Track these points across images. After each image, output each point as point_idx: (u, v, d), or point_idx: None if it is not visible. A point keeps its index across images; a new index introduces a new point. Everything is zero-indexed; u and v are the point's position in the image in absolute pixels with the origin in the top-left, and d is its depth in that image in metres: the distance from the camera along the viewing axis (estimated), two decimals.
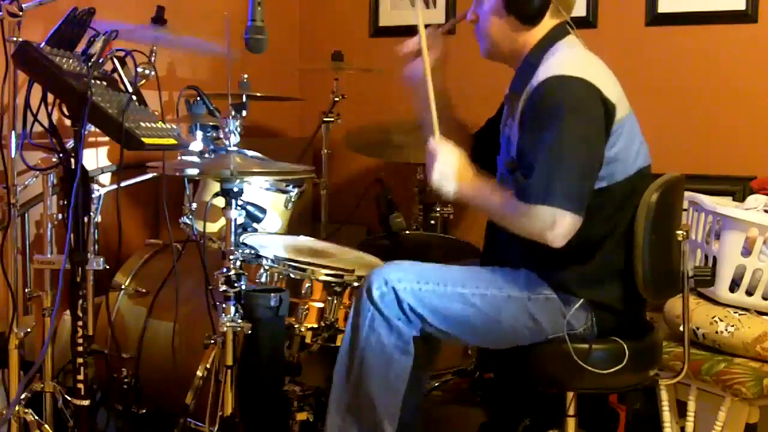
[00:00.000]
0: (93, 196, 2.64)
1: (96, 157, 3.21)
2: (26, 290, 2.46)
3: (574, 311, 2.14)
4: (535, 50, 2.18)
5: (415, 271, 2.17)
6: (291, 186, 2.83)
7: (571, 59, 2.14)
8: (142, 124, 2.11)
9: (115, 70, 2.21)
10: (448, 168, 2.13)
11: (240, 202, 2.30)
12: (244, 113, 2.33)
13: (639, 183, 2.16)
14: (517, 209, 2.05)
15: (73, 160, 2.10)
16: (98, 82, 2.14)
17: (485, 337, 2.22)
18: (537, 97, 2.07)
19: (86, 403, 2.16)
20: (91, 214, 2.43)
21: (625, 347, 2.14)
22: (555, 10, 2.18)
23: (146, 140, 2.07)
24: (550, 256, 2.08)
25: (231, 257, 2.24)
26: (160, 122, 2.18)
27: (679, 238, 2.18)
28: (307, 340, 2.51)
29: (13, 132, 2.31)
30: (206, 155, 2.41)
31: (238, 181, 2.25)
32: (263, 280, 2.48)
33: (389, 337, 2.11)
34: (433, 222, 3.51)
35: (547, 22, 2.19)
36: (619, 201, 2.13)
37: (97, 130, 2.12)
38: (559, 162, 2.02)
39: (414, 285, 2.12)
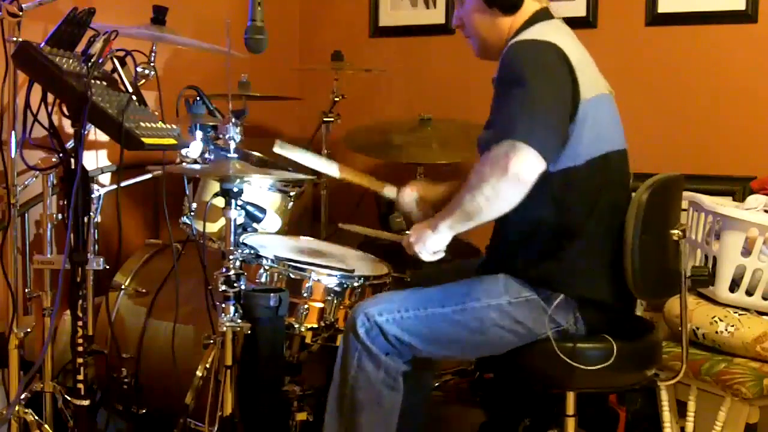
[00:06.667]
0: (93, 196, 2.65)
1: (96, 157, 3.21)
2: (26, 290, 2.46)
3: (555, 308, 2.12)
4: (516, 33, 2.18)
5: (394, 300, 2.18)
6: (291, 186, 2.83)
7: (539, 30, 2.14)
8: (142, 124, 2.12)
9: (115, 70, 2.21)
10: (420, 235, 2.13)
11: (240, 202, 2.30)
12: (244, 116, 2.33)
13: (605, 168, 2.11)
14: (480, 166, 1.98)
15: (73, 160, 2.10)
16: (98, 82, 2.14)
17: (476, 350, 2.25)
18: (501, 64, 2.09)
19: (86, 403, 2.17)
20: (91, 214, 2.44)
21: (614, 345, 2.12)
22: None
23: (146, 140, 2.08)
24: (528, 252, 2.08)
25: (231, 257, 2.24)
26: (160, 122, 2.19)
27: (675, 238, 2.16)
28: (307, 340, 2.51)
29: (13, 132, 2.32)
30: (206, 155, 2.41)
31: (237, 181, 2.26)
32: (263, 280, 2.48)
33: (377, 373, 2.13)
34: None
35: (529, 6, 2.20)
36: (585, 186, 2.08)
37: (98, 130, 2.13)
38: (521, 108, 1.98)
39: (395, 315, 2.13)
